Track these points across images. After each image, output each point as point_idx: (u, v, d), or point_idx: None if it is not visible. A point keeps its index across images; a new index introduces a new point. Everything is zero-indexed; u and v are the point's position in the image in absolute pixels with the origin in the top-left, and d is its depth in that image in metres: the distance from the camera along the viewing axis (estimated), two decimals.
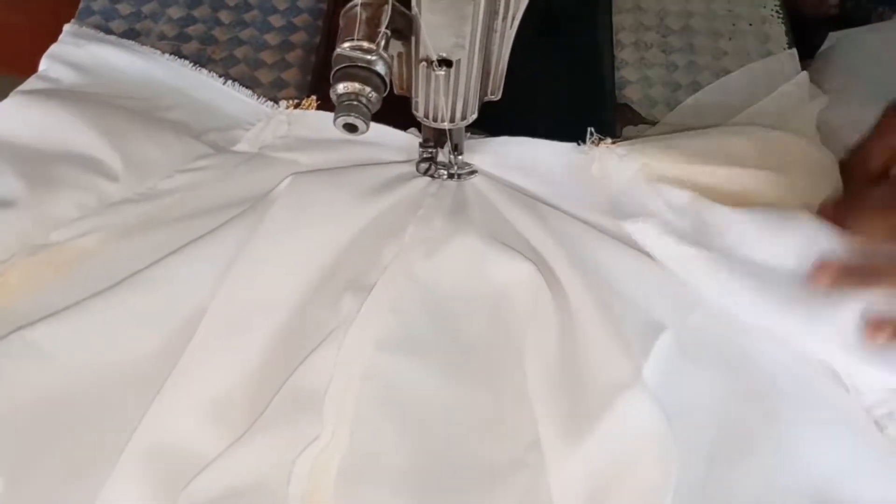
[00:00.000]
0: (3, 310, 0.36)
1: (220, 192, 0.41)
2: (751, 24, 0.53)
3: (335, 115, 0.33)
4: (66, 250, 0.39)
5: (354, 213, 0.41)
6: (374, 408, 0.36)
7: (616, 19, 0.53)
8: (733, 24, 0.53)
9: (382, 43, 0.33)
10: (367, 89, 0.33)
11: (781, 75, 0.49)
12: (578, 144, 0.45)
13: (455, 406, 0.37)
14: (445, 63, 0.35)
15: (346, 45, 0.33)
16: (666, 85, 0.50)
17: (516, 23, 0.35)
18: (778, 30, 0.52)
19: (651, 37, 0.52)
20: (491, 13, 0.34)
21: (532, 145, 0.45)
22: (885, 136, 0.40)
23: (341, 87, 0.33)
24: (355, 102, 0.33)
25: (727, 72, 0.50)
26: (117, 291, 0.36)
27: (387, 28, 0.33)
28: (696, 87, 0.49)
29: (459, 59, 0.35)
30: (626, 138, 0.46)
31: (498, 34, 0.36)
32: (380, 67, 0.33)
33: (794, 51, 0.50)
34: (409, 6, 0.33)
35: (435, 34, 0.34)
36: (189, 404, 0.35)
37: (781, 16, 0.53)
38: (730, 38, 0.52)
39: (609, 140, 0.45)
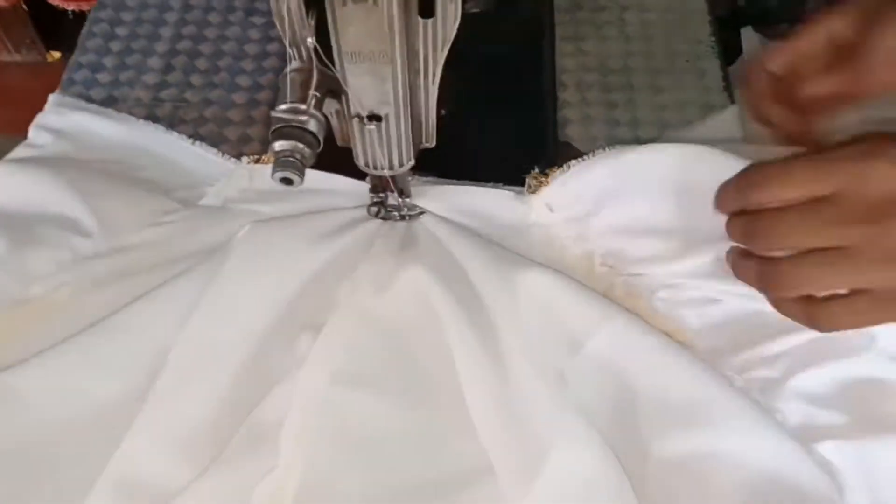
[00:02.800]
0: None
1: (186, 243, 0.45)
2: (687, 61, 0.56)
3: (273, 170, 0.36)
4: (42, 302, 0.42)
5: (309, 257, 0.44)
6: (328, 438, 0.39)
7: (559, 62, 0.56)
8: (671, 62, 0.56)
9: (313, 103, 0.36)
10: (301, 146, 0.36)
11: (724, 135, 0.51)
12: (518, 192, 0.48)
13: (404, 433, 0.40)
14: (375, 118, 0.38)
15: (282, 107, 0.37)
16: (606, 123, 0.53)
17: (437, 79, 0.39)
18: (713, 64, 0.56)
19: (592, 77, 0.55)
20: (412, 72, 0.38)
21: (474, 192, 0.48)
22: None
23: (277, 146, 0.36)
24: (290, 158, 0.36)
25: (664, 106, 0.53)
26: (83, 337, 0.40)
27: (315, 91, 0.36)
28: (635, 122, 0.53)
29: (387, 114, 0.38)
30: None
31: (422, 90, 0.39)
32: (312, 126, 0.36)
33: (736, 107, 0.52)
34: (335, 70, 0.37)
35: (361, 94, 0.37)
36: (155, 441, 0.38)
37: (716, 50, 0.56)
38: (667, 75, 0.55)
39: (548, 180, 0.48)
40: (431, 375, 0.42)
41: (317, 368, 0.40)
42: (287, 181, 0.36)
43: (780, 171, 0.35)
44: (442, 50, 0.37)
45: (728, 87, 0.54)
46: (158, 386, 0.39)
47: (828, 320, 0.35)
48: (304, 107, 0.36)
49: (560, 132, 0.52)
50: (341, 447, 0.39)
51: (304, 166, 0.37)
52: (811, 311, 0.35)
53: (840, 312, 0.34)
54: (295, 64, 0.37)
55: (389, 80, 0.36)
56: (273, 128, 0.37)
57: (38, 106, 0.53)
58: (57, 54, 0.60)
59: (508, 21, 0.57)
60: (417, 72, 0.38)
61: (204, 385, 0.40)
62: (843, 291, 0.34)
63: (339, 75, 0.36)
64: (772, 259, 0.36)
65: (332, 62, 0.36)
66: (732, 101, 0.53)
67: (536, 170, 0.49)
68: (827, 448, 0.36)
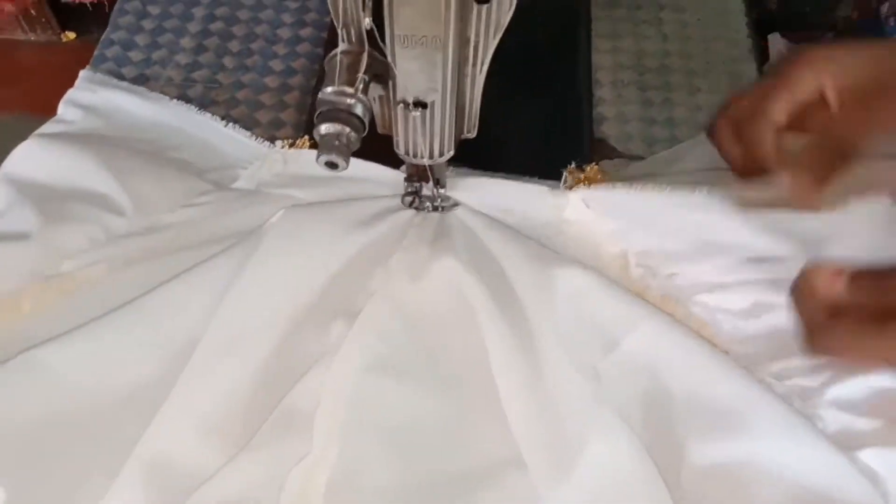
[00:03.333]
0: (16, 332, 0.39)
1: (219, 225, 0.45)
2: (724, 63, 0.55)
3: (318, 153, 0.36)
4: (75, 278, 0.42)
5: (343, 243, 0.44)
6: (361, 427, 0.38)
7: (595, 59, 0.56)
8: (707, 63, 0.56)
9: (361, 87, 0.36)
10: (347, 130, 0.36)
11: None
12: (553, 186, 0.48)
13: (436, 423, 0.40)
14: (420, 105, 0.38)
15: (329, 89, 0.36)
16: (641, 121, 0.52)
17: (485, 68, 0.38)
18: (750, 67, 0.55)
19: (628, 75, 0.55)
20: (461, 60, 0.37)
21: (509, 185, 0.47)
22: (791, 85, 0.40)
23: (323, 129, 0.36)
24: (336, 142, 0.36)
25: (700, 107, 0.53)
26: (118, 316, 0.39)
27: (364, 74, 0.36)
28: (671, 122, 0.52)
29: (434, 101, 0.38)
30: (604, 173, 0.49)
31: (469, 78, 0.39)
32: (358, 110, 0.36)
33: None
34: (384, 54, 0.36)
35: (409, 79, 0.37)
36: (187, 422, 0.38)
37: (753, 53, 0.56)
38: (704, 76, 0.55)
39: (582, 183, 0.47)
40: (464, 366, 0.41)
41: (350, 356, 0.40)
42: (332, 165, 0.36)
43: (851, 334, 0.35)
44: (494, 38, 0.36)
45: None
46: (190, 367, 0.39)
47: None
48: (351, 90, 0.36)
49: (595, 129, 0.52)
50: (374, 436, 0.38)
51: (350, 150, 0.36)
52: None
53: None
54: (344, 46, 0.36)
55: (440, 66, 0.36)
56: (319, 110, 0.36)
57: (52, 85, 0.52)
58: (72, 34, 0.60)
59: (546, 15, 0.56)
60: (466, 59, 0.38)
61: (235, 368, 0.39)
62: None
63: (389, 59, 0.36)
64: None
65: (384, 45, 0.35)
66: None
67: (573, 165, 0.48)
68: (868, 455, 0.36)
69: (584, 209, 0.47)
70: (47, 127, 0.50)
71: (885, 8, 0.63)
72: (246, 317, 0.41)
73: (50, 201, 0.44)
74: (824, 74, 0.39)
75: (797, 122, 0.39)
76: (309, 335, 0.41)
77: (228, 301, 0.40)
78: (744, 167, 0.40)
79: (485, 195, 0.47)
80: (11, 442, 0.36)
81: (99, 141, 0.48)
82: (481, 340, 0.41)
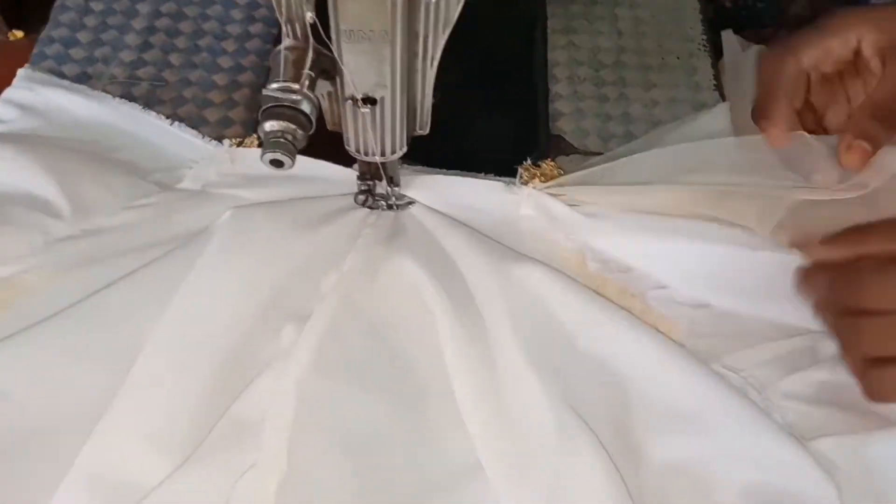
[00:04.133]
0: None
1: (162, 227, 0.43)
2: (678, 58, 0.55)
3: (262, 151, 0.35)
4: (13, 285, 0.40)
5: (294, 244, 0.43)
6: (312, 432, 0.37)
7: (551, 55, 0.55)
8: (662, 59, 0.55)
9: (307, 83, 0.35)
10: (293, 127, 0.35)
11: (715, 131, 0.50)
12: (509, 182, 0.47)
13: (392, 428, 0.39)
14: (369, 101, 0.37)
15: (273, 85, 0.35)
16: (598, 116, 0.52)
17: (436, 63, 0.37)
18: (704, 62, 0.55)
19: (584, 71, 0.55)
20: (410, 55, 0.36)
21: (465, 182, 0.47)
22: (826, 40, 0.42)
23: (268, 126, 0.35)
24: (281, 140, 0.35)
25: (655, 102, 0.53)
26: (55, 323, 0.37)
27: (310, 70, 0.35)
28: (626, 118, 0.52)
29: (383, 97, 0.37)
30: (560, 169, 0.48)
31: (419, 74, 0.38)
32: (304, 106, 0.35)
33: (726, 104, 0.51)
34: (329, 49, 0.35)
35: (356, 75, 0.36)
36: (129, 433, 0.36)
37: (707, 49, 0.56)
38: (659, 72, 0.55)
39: (538, 178, 0.47)
40: (420, 369, 0.40)
41: (302, 360, 0.38)
42: (277, 163, 0.35)
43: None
44: (443, 32, 0.36)
45: (718, 86, 0.54)
46: (133, 375, 0.37)
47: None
48: (297, 86, 0.35)
49: (551, 125, 0.52)
50: (326, 442, 0.37)
51: (296, 148, 0.35)
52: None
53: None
54: (289, 41, 0.35)
55: (388, 61, 0.35)
56: (263, 107, 0.35)
57: (0, 85, 0.50)
58: (20, 33, 0.57)
59: (501, 12, 0.56)
60: (416, 54, 0.37)
61: (181, 375, 0.38)
62: None
63: (335, 54, 0.35)
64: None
65: (329, 40, 0.34)
66: (723, 99, 0.53)
67: (528, 161, 0.48)
68: (824, 444, 0.36)
69: (540, 205, 0.46)
70: None
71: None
72: (192, 322, 0.39)
73: None
74: (861, 31, 0.41)
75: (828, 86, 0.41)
76: (259, 340, 0.40)
77: (174, 306, 0.39)
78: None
79: (440, 192, 0.47)
80: None
81: (38, 141, 0.46)
82: (438, 342, 0.40)
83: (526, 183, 0.47)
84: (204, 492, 0.35)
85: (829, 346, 0.38)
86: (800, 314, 0.38)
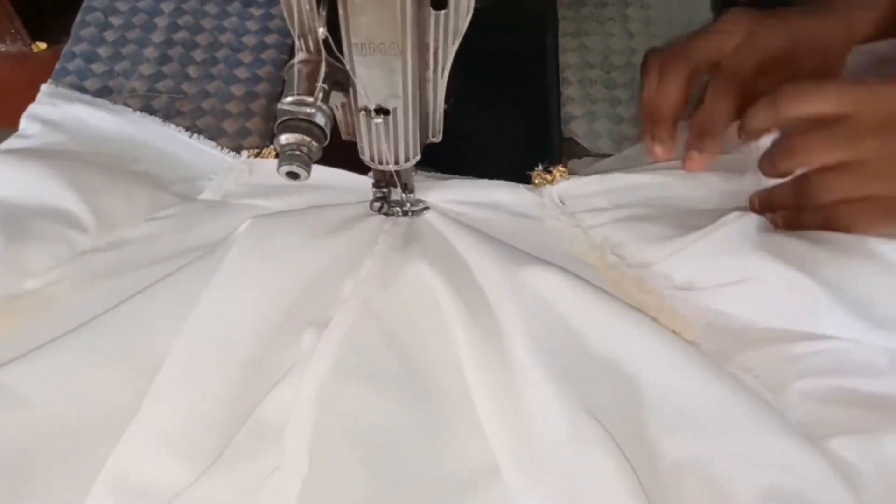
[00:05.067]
0: None
1: (184, 238, 0.44)
2: None
3: (278, 164, 0.35)
4: (39, 297, 0.41)
5: (312, 252, 0.43)
6: (333, 436, 0.38)
7: (562, 59, 0.56)
8: None
9: (321, 96, 0.36)
10: (308, 139, 0.35)
11: None
12: (527, 184, 0.48)
13: (411, 431, 0.39)
14: (382, 111, 0.38)
15: (288, 99, 0.36)
16: (610, 118, 0.52)
17: (446, 72, 0.38)
18: None
19: (596, 73, 0.55)
20: (421, 65, 0.37)
21: (480, 185, 0.47)
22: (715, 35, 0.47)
23: (283, 139, 0.35)
24: (297, 152, 0.35)
25: None
26: (82, 333, 0.39)
27: (323, 83, 0.36)
28: (638, 119, 0.52)
29: (395, 108, 0.38)
30: (573, 172, 0.49)
31: (431, 83, 0.38)
32: (319, 119, 0.35)
33: None
34: (342, 62, 0.36)
35: (369, 86, 0.36)
36: (156, 439, 0.37)
37: None
38: None
39: (553, 177, 0.48)
40: (438, 372, 0.41)
41: (321, 365, 0.39)
42: (293, 175, 0.36)
43: (812, 86, 0.41)
44: (453, 43, 0.36)
45: None
46: (158, 383, 0.38)
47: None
48: (311, 99, 0.35)
49: (564, 128, 0.52)
50: (346, 445, 0.38)
51: (311, 160, 0.36)
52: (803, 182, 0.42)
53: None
54: (302, 55, 0.36)
55: (399, 72, 0.36)
56: (279, 120, 0.36)
57: (23, 98, 0.51)
58: (43, 45, 0.59)
59: (511, 16, 0.56)
60: (427, 65, 0.37)
61: (204, 382, 0.39)
62: None
63: (347, 67, 0.36)
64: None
65: (341, 54, 0.35)
66: None
67: (541, 167, 0.48)
68: (839, 444, 0.36)
69: (559, 203, 0.47)
70: (8, 143, 0.49)
71: None
72: (214, 330, 0.40)
73: (12, 220, 0.43)
74: (748, 27, 0.46)
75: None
76: (279, 347, 0.41)
77: (196, 315, 0.40)
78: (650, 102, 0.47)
79: (454, 196, 0.47)
80: None
81: (61, 156, 0.47)
82: (454, 346, 0.40)
83: (538, 183, 0.47)
84: (228, 497, 0.36)
85: (844, 348, 0.39)
86: (815, 318, 0.38)
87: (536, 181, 0.48)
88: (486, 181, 0.48)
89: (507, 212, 0.47)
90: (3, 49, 0.58)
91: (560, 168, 0.48)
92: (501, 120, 0.51)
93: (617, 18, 0.58)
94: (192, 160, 0.49)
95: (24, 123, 0.50)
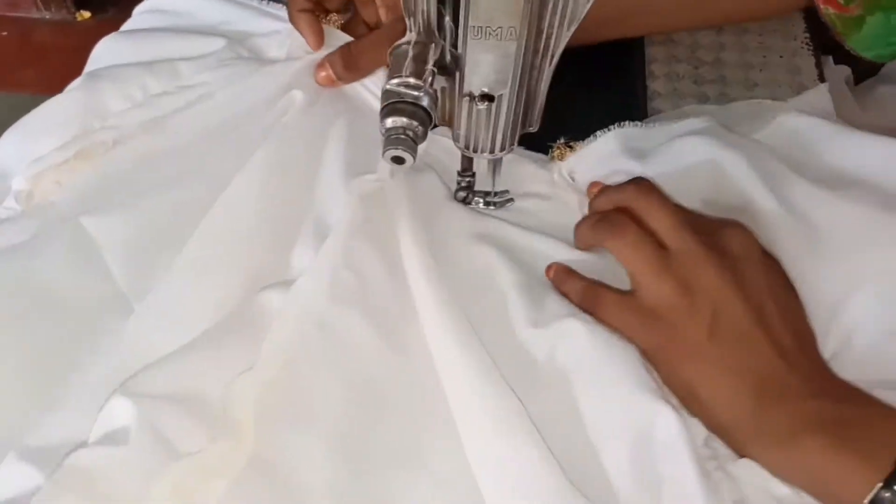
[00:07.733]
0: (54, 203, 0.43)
1: (240, 90, 0.47)
2: (781, 56, 0.54)
3: (384, 148, 0.35)
4: (98, 146, 0.45)
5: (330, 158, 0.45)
6: (315, 351, 0.36)
7: (648, 51, 0.54)
8: (764, 56, 0.54)
9: (429, 80, 0.35)
10: (414, 123, 0.34)
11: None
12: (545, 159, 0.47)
13: (398, 375, 0.37)
14: (488, 98, 0.37)
15: (395, 81, 0.35)
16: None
17: (555, 60, 0.37)
18: (808, 62, 0.53)
19: (683, 68, 0.53)
20: (533, 51, 0.36)
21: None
22: None
23: (389, 122, 0.35)
24: (402, 136, 0.34)
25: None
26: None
27: (433, 66, 0.35)
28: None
29: (501, 94, 0.37)
30: None
31: (538, 70, 0.37)
32: (426, 103, 0.35)
33: (825, 85, 0.50)
34: (454, 44, 0.35)
35: (478, 71, 0.35)
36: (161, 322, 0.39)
37: (811, 47, 0.54)
38: (760, 70, 0.53)
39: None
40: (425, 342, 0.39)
41: (315, 281, 0.38)
42: (399, 160, 0.35)
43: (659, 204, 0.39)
44: (568, 29, 0.35)
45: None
46: (172, 273, 0.40)
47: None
48: (419, 82, 0.34)
49: None
50: (326, 365, 0.36)
51: (417, 144, 0.35)
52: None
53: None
54: (412, 36, 0.35)
55: (511, 58, 0.34)
56: (384, 102, 0.35)
57: (67, 64, 0.52)
58: (87, 14, 0.59)
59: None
60: (537, 51, 0.36)
61: (219, 275, 0.40)
62: None
63: (459, 51, 0.35)
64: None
65: (454, 36, 0.34)
66: None
67: (562, 140, 0.47)
68: None
69: (570, 181, 0.46)
70: (126, 26, 0.54)
71: None
72: (225, 226, 0.41)
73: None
74: None
75: None
76: (284, 252, 0.42)
77: (211, 212, 0.41)
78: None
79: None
80: None
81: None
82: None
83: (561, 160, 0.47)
84: (203, 378, 0.35)
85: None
86: None
87: (556, 154, 0.47)
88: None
89: (521, 188, 0.46)
90: (47, 17, 0.59)
91: (580, 143, 0.47)
92: (588, 113, 0.50)
93: None
94: (260, 22, 0.53)
95: (136, 12, 0.55)
